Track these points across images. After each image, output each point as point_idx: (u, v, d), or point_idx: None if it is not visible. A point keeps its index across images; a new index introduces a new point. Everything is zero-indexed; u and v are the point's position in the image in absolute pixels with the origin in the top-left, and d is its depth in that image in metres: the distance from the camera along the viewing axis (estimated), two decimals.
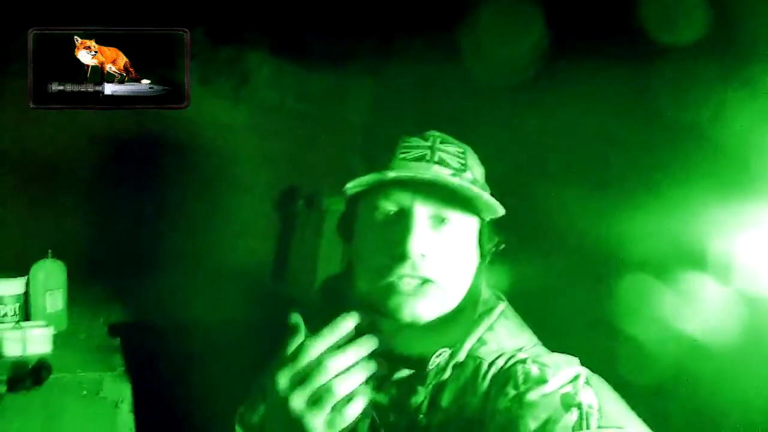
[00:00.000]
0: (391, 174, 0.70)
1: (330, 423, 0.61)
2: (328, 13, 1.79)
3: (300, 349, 0.64)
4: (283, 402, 0.62)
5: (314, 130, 2.01)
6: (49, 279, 1.46)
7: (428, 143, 0.77)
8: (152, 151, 1.78)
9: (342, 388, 0.62)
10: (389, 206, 0.74)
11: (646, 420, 0.63)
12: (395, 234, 0.71)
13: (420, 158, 0.75)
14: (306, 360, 0.63)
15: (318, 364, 0.63)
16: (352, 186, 0.73)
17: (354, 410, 0.62)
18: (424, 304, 0.72)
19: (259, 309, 1.79)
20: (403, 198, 0.73)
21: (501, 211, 0.73)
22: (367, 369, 0.65)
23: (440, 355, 0.72)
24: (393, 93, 2.01)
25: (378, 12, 1.74)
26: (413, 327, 0.72)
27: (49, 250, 1.46)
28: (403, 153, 0.76)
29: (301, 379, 0.62)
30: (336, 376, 0.62)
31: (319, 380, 0.62)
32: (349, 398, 0.63)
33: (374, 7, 1.72)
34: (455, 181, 0.70)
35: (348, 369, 0.63)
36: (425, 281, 0.72)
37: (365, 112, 2.06)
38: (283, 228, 1.99)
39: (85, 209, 1.75)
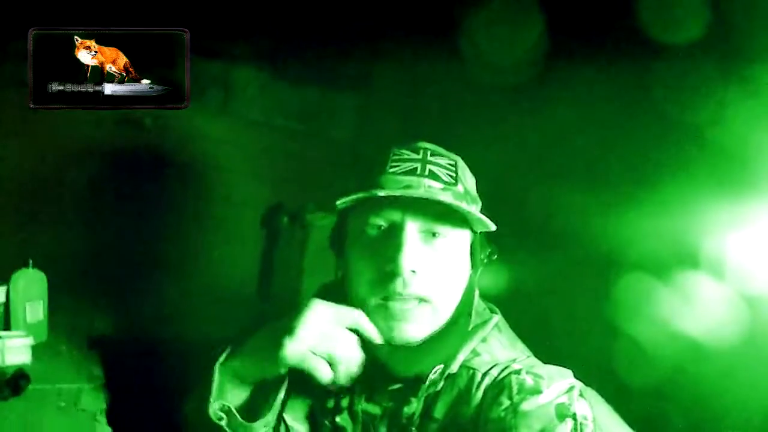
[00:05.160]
0: (381, 192, 0.70)
1: None
2: (313, 25, 1.76)
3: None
4: None
5: (301, 145, 1.98)
6: (30, 289, 1.43)
7: (419, 156, 0.76)
8: (136, 164, 1.76)
9: None
10: (380, 221, 0.74)
11: (645, 420, 0.63)
12: (386, 250, 0.71)
13: (410, 172, 0.74)
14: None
15: None
16: (342, 202, 0.73)
17: None
18: (414, 326, 0.72)
19: (242, 324, 1.78)
20: (394, 214, 0.73)
21: (492, 226, 0.73)
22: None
23: (436, 371, 0.72)
24: (381, 104, 1.99)
25: (364, 20, 1.72)
26: (407, 347, 0.72)
27: (30, 260, 1.43)
28: (394, 167, 0.75)
29: None
30: None
31: None
32: None
33: (360, 15, 1.70)
34: (445, 198, 0.70)
35: None
36: (416, 300, 0.72)
37: (352, 127, 2.03)
38: (268, 244, 1.97)
39: (68, 220, 1.71)
